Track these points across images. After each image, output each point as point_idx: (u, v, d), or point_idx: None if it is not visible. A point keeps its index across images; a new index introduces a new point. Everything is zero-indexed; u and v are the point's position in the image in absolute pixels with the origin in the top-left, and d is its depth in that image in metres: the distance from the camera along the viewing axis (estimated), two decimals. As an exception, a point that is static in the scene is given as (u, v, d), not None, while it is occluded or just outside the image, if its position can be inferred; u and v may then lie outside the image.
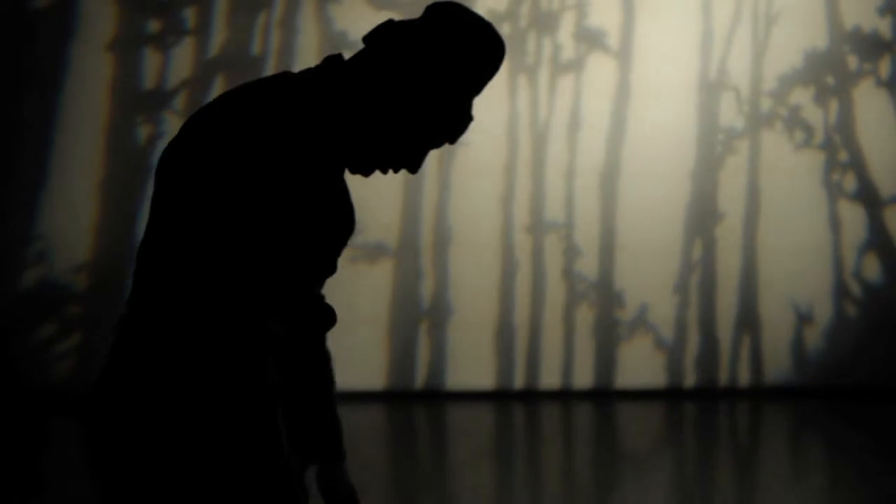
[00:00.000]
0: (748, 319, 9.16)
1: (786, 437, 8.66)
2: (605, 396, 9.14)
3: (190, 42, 9.07)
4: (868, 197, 9.16)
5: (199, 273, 2.39)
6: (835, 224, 9.14)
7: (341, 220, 2.59)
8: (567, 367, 9.15)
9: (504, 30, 8.97)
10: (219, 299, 2.40)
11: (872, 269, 9.16)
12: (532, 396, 9.09)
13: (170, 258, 2.42)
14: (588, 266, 9.14)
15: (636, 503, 6.48)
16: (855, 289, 9.17)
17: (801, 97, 9.12)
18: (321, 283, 2.61)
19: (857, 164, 9.15)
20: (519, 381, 9.10)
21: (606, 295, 9.13)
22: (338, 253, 2.59)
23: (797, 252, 9.10)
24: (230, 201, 2.37)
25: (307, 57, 9.02)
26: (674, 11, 9.01)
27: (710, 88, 9.10)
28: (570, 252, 9.13)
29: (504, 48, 2.51)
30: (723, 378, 9.18)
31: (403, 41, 2.48)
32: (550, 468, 7.39)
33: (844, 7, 9.09)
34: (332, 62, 2.54)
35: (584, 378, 9.15)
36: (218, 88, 9.07)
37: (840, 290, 9.16)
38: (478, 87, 2.52)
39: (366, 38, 2.51)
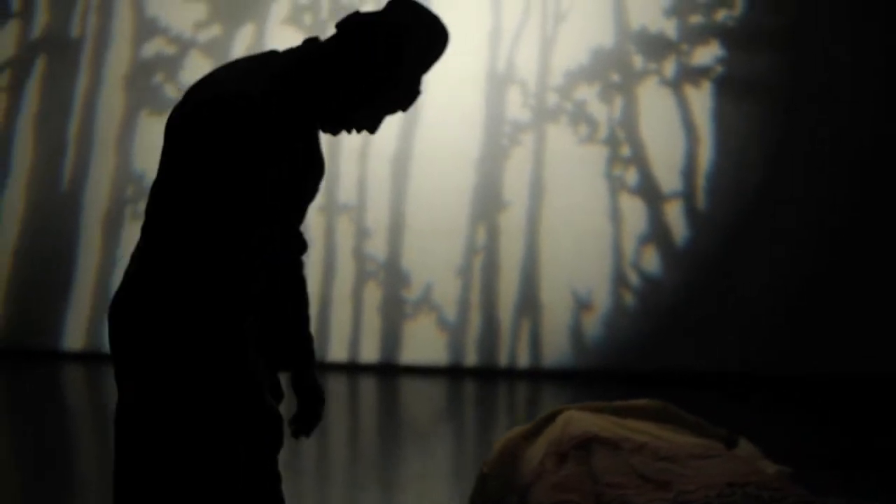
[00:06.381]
0: (529, 303, 9.57)
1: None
2: (389, 371, 9.59)
3: (15, 24, 9.70)
4: (649, 191, 9.52)
5: (203, 217, 3.00)
6: (615, 216, 9.51)
7: (316, 167, 3.18)
8: (354, 342, 9.61)
9: (306, 21, 9.50)
10: (217, 236, 3.01)
11: (650, 259, 9.52)
12: (320, 368, 9.51)
13: (178, 205, 3.02)
14: (377, 247, 9.60)
15: (417, 471, 6.85)
16: (632, 277, 9.54)
17: (587, 93, 9.51)
18: (300, 220, 3.24)
19: (639, 160, 9.52)
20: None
21: (394, 274, 9.59)
22: (315, 193, 3.20)
23: (578, 241, 9.47)
24: (230, 160, 2.97)
25: (122, 40, 9.60)
26: (465, 6, 9.42)
27: (498, 82, 9.54)
28: (361, 233, 9.61)
29: (448, 38, 3.15)
30: (503, 358, 9.59)
31: (367, 29, 3.06)
32: (335, 438, 7.68)
33: (631, 8, 9.46)
34: (310, 44, 3.13)
35: (370, 352, 9.61)
36: (40, 67, 9.69)
37: (618, 279, 9.53)
38: (425, 69, 3.12)
39: (337, 25, 3.10)
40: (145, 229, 3.11)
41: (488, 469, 5.06)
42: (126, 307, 3.08)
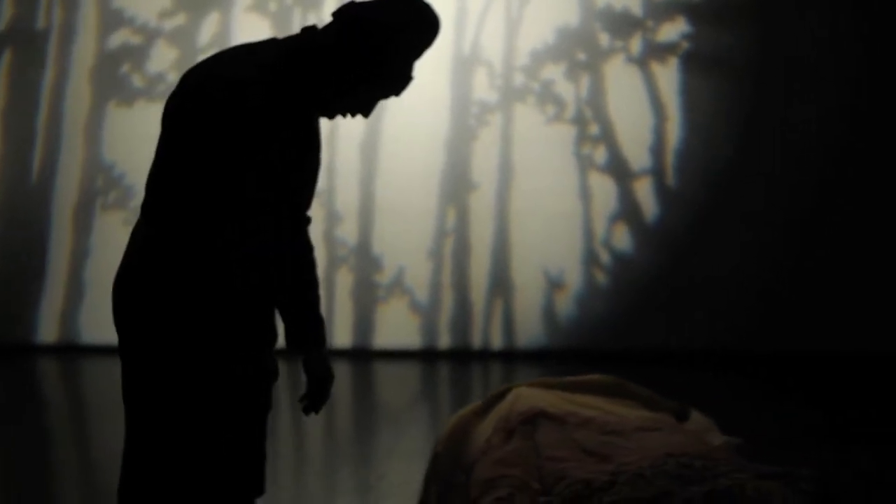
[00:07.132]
0: (501, 284, 9.58)
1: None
2: (363, 356, 9.60)
3: (-21, 18, 9.71)
4: (618, 169, 9.52)
5: (202, 191, 3.16)
6: (585, 194, 9.51)
7: (314, 150, 3.29)
8: (327, 327, 9.56)
9: (271, 8, 9.48)
10: (217, 211, 3.16)
11: (621, 237, 9.53)
12: (293, 353, 9.52)
13: (178, 182, 3.18)
14: (348, 231, 9.61)
15: (390, 453, 6.91)
16: (604, 256, 9.55)
17: (553, 72, 9.51)
18: (306, 204, 3.36)
19: (608, 138, 9.52)
20: (280, 339, 9.55)
21: (365, 258, 9.60)
22: (314, 176, 3.33)
23: (548, 221, 9.47)
24: (226, 143, 3.11)
25: (87, 31, 9.58)
26: (429, -11, 9.42)
27: (465, 63, 9.53)
28: (332, 217, 9.61)
29: (439, 25, 3.31)
30: (476, 340, 9.60)
31: (363, 26, 3.19)
32: (310, 424, 7.62)
33: (596, -14, 9.47)
34: (308, 33, 3.27)
35: (343, 337, 9.62)
36: (6, 60, 9.68)
37: (589, 258, 9.54)
38: (417, 55, 3.28)
39: (334, 14, 3.26)
40: (145, 207, 3.26)
41: (441, 447, 5.07)
42: (130, 278, 3.22)
